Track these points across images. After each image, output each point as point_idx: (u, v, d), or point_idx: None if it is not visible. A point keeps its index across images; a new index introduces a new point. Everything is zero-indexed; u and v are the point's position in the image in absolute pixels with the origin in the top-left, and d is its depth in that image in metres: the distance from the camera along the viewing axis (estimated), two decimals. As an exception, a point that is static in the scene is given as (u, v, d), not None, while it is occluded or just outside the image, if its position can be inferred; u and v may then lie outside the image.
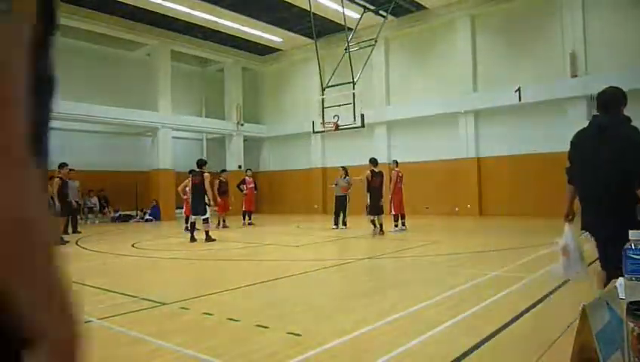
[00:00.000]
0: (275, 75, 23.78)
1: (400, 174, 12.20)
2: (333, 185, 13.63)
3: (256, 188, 16.17)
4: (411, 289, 5.28)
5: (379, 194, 11.10)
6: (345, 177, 13.35)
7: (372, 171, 11.16)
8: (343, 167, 13.74)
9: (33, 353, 0.52)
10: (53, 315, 0.55)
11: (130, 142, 21.00)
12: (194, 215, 10.76)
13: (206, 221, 10.68)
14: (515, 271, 6.02)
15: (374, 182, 11.07)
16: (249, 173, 16.06)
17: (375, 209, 11.01)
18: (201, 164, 11.04)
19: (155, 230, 14.91)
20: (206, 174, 10.74)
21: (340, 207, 13.16)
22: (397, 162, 12.95)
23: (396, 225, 12.04)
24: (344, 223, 13.10)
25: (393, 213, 11.95)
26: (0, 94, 0.50)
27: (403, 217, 12.14)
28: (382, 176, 11.34)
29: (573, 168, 3.79)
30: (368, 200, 11.01)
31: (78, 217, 17.83)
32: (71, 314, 0.57)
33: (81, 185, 15.23)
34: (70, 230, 13.21)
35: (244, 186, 15.40)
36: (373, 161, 11.40)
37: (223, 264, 7.98)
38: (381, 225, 11.07)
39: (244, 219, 15.43)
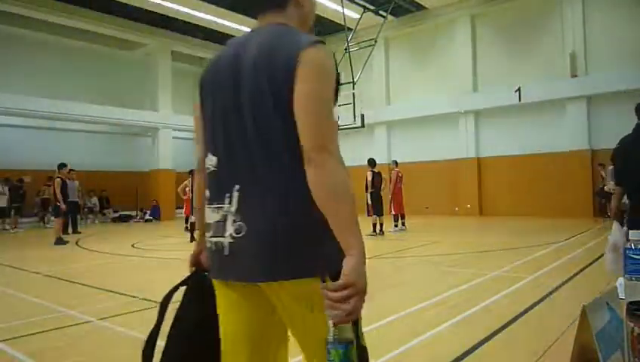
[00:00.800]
0: (275, 75, 23.75)
1: (400, 174, 12.19)
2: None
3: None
4: (411, 289, 5.27)
5: (379, 195, 11.10)
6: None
7: (372, 172, 11.14)
8: (395, 161, 13.34)
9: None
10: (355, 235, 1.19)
11: (130, 142, 21.00)
12: (194, 215, 10.77)
13: None
14: (515, 271, 6.02)
15: (375, 183, 11.05)
16: None
17: (376, 209, 11.00)
18: (372, 163, 11.12)
19: (155, 230, 14.91)
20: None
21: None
22: (397, 162, 12.94)
23: (396, 225, 12.04)
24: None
25: (393, 213, 11.95)
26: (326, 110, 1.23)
27: (403, 217, 12.14)
28: (381, 176, 11.33)
29: (621, 171, 4.24)
30: (369, 201, 10.99)
31: (79, 217, 17.88)
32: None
33: (81, 185, 15.25)
34: (70, 230, 13.22)
35: None
36: (372, 162, 11.37)
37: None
38: (381, 225, 11.07)
39: None
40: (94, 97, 18.41)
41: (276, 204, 1.25)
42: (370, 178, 11.03)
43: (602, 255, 6.90)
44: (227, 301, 1.39)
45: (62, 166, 11.43)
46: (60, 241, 10.64)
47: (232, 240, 1.28)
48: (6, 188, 15.13)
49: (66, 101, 17.03)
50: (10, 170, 16.08)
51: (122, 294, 5.24)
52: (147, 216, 19.04)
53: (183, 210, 13.44)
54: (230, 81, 1.36)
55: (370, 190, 10.99)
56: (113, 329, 3.86)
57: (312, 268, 1.24)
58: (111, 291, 5.44)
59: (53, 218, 13.32)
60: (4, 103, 15.46)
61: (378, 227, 10.99)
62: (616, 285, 1.76)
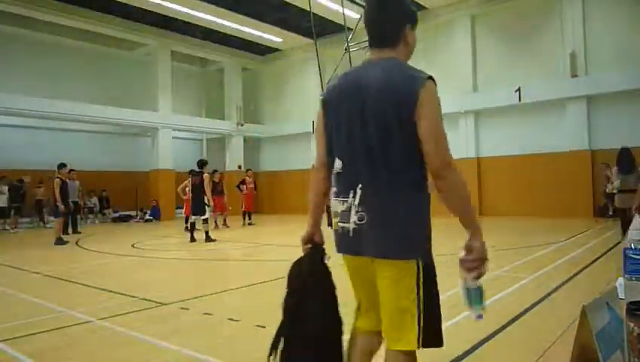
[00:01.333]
0: (275, 75, 23.77)
1: None
2: None
3: (255, 188, 16.17)
4: (411, 289, 5.27)
5: None
6: None
7: None
8: None
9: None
10: (476, 223, 1.70)
11: (130, 142, 21.01)
12: (193, 215, 10.77)
13: (206, 221, 10.71)
14: (515, 271, 6.02)
15: None
16: (249, 173, 16.06)
17: None
18: (201, 164, 11.05)
19: (155, 230, 14.90)
20: (205, 175, 10.75)
21: None
22: None
23: None
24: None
25: None
26: (443, 134, 1.68)
27: None
28: None
29: None
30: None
31: (79, 217, 17.87)
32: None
33: (81, 185, 15.24)
34: (70, 230, 13.21)
35: (244, 186, 15.41)
36: None
37: (223, 264, 7.98)
38: None
39: (244, 219, 15.44)
40: (94, 97, 18.40)
41: (389, 201, 1.73)
42: None
43: (602, 255, 6.91)
44: (351, 265, 2.01)
45: (61, 166, 11.42)
46: (59, 241, 10.64)
47: (355, 226, 1.78)
48: (5, 188, 15.13)
49: (66, 101, 17.02)
50: (10, 170, 16.08)
51: (122, 294, 5.24)
52: (147, 216, 19.03)
53: (183, 210, 13.45)
54: (355, 103, 1.79)
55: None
56: (113, 329, 3.86)
57: (408, 254, 1.75)
58: (111, 291, 5.44)
59: (52, 218, 13.36)
60: (4, 103, 15.46)
61: None
62: (616, 285, 1.75)
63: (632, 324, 0.97)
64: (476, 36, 17.27)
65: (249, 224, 15.21)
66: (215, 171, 15.26)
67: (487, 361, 3.01)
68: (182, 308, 4.52)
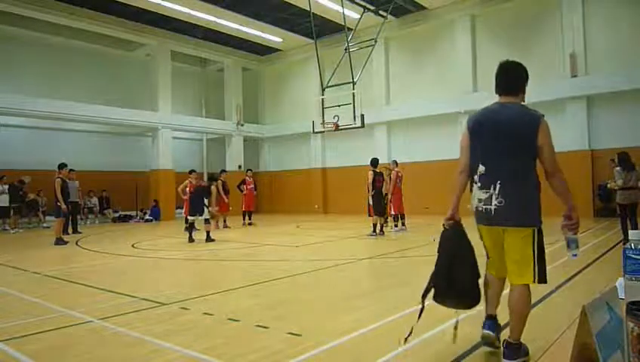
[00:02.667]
0: (275, 75, 23.77)
1: (400, 174, 12.17)
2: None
3: (255, 188, 16.17)
4: (411, 289, 5.27)
5: (381, 195, 11.04)
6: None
7: (374, 172, 11.03)
8: (395, 161, 13.25)
9: None
10: (571, 201, 2.90)
11: (130, 142, 21.01)
12: (192, 216, 10.78)
13: (207, 221, 10.73)
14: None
15: (377, 183, 10.97)
16: (249, 173, 16.07)
17: (377, 210, 10.94)
18: (374, 163, 11.15)
19: (155, 230, 14.91)
20: (213, 187, 10.91)
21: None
22: (397, 162, 12.91)
23: (396, 225, 12.04)
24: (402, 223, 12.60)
25: (393, 213, 11.95)
26: (554, 151, 2.88)
27: (403, 217, 12.13)
28: (382, 176, 11.27)
29: None
30: (371, 202, 10.91)
31: (79, 217, 17.87)
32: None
33: (81, 185, 15.22)
34: (70, 230, 13.21)
35: (244, 186, 15.41)
36: (374, 162, 11.26)
37: (223, 264, 7.98)
38: (382, 226, 11.06)
39: (244, 219, 15.44)
40: (94, 97, 18.41)
41: (518, 191, 2.80)
42: (371, 178, 10.93)
43: (602, 255, 6.92)
44: (488, 233, 2.99)
45: (62, 166, 11.41)
46: (60, 241, 10.64)
47: (495, 208, 2.83)
48: (5, 188, 15.12)
49: (66, 101, 17.02)
50: (10, 170, 16.07)
51: (122, 294, 5.24)
52: (147, 217, 19.03)
53: (183, 210, 13.45)
54: (493, 130, 2.89)
55: (371, 191, 10.87)
56: (113, 329, 3.86)
57: (530, 224, 2.80)
58: (111, 291, 5.44)
59: (52, 218, 13.36)
60: (4, 103, 15.46)
61: (378, 227, 10.98)
62: (616, 285, 1.75)
63: (632, 324, 0.97)
64: (476, 36, 17.27)
65: (249, 224, 15.21)
66: (223, 171, 15.32)
67: (488, 361, 3.01)
68: (182, 308, 4.52)
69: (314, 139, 21.07)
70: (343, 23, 15.97)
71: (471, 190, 3.04)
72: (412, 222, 12.90)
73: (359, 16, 17.05)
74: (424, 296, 2.95)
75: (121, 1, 16.22)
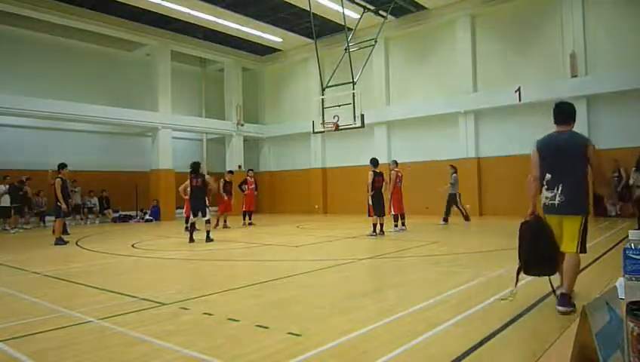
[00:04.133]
0: (275, 75, 23.78)
1: (399, 174, 12.20)
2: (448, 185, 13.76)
3: (256, 188, 16.19)
4: (411, 290, 5.27)
5: (381, 195, 11.03)
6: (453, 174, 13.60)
7: (374, 172, 11.00)
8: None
9: None
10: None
11: (130, 142, 21.00)
12: (194, 216, 10.78)
13: (208, 221, 10.74)
14: (515, 271, 6.01)
15: (377, 183, 10.96)
16: (250, 173, 16.07)
17: (379, 210, 10.93)
18: (196, 167, 11.06)
19: (155, 230, 14.91)
20: (207, 176, 10.83)
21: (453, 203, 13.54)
22: (396, 162, 12.92)
23: (396, 225, 12.05)
24: (445, 220, 13.46)
25: (393, 213, 11.96)
26: (601, 161, 4.41)
27: (403, 217, 12.14)
28: (382, 176, 11.24)
29: None
30: (370, 202, 10.92)
31: (79, 217, 17.89)
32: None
33: (81, 185, 15.24)
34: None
35: (246, 186, 15.39)
36: (374, 162, 11.23)
37: (223, 264, 7.98)
38: (382, 225, 11.05)
39: (244, 219, 15.44)
40: (94, 97, 18.41)
41: (573, 191, 4.00)
42: (370, 179, 10.92)
43: (602, 255, 6.91)
44: (552, 220, 4.08)
45: (62, 166, 11.40)
46: (60, 241, 10.65)
47: (558, 203, 4.01)
48: (6, 188, 15.14)
49: (66, 101, 17.03)
50: (10, 170, 16.08)
51: (122, 294, 5.24)
52: (147, 217, 19.03)
53: (184, 210, 13.46)
54: (556, 149, 4.14)
55: (370, 192, 10.89)
56: (113, 329, 3.86)
57: (581, 213, 4.02)
58: (111, 291, 5.44)
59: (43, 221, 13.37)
60: (4, 103, 15.46)
61: (378, 227, 10.98)
62: (616, 285, 1.75)
63: (632, 324, 0.97)
64: (476, 36, 17.27)
65: (249, 224, 15.21)
66: (230, 172, 15.35)
67: (487, 361, 3.01)
68: (182, 308, 4.52)
69: (314, 139, 21.08)
70: (343, 23, 15.97)
71: (543, 191, 4.23)
72: (412, 222, 12.91)
73: (359, 16, 17.06)
74: (518, 272, 4.16)
75: (121, 1, 16.22)
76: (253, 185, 15.63)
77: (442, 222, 13.42)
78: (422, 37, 18.59)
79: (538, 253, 4.02)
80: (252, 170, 16.92)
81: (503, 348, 3.22)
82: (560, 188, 4.00)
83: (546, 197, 4.10)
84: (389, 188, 11.75)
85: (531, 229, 4.07)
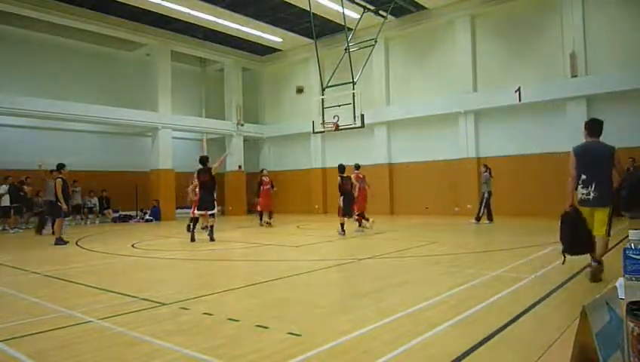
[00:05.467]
0: (275, 75, 23.78)
1: (361, 176, 12.82)
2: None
3: (272, 187, 15.51)
4: (411, 290, 5.28)
5: (349, 198, 11.71)
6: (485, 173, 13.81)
7: (341, 177, 11.82)
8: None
9: None
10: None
11: (130, 142, 21.00)
12: (203, 210, 10.92)
13: (212, 216, 10.91)
14: (515, 271, 6.02)
15: (345, 186, 11.71)
16: (265, 172, 15.73)
17: (348, 211, 11.70)
18: (205, 160, 11.23)
19: (155, 230, 14.90)
20: (215, 166, 11.22)
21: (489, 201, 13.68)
22: (358, 166, 13.36)
23: (360, 224, 12.51)
24: (489, 218, 13.54)
25: (357, 212, 12.47)
26: (622, 163, 5.66)
27: (363, 216, 12.58)
28: (350, 180, 11.94)
29: None
30: (341, 203, 11.63)
31: (79, 217, 17.89)
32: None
33: (81, 185, 15.24)
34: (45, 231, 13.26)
35: (262, 186, 15.04)
36: (341, 168, 12.03)
37: (223, 264, 7.98)
38: (364, 220, 11.97)
39: (260, 218, 15.15)
40: (94, 97, 18.41)
41: (604, 187, 5.16)
42: (339, 182, 11.80)
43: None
44: (586, 212, 5.27)
45: (61, 166, 11.39)
46: (60, 241, 10.65)
47: (591, 198, 5.23)
48: (6, 188, 15.14)
49: (66, 101, 17.03)
50: (10, 170, 16.07)
51: (122, 294, 5.24)
52: (147, 217, 19.03)
53: (191, 210, 13.51)
54: (590, 155, 5.36)
55: (340, 194, 11.73)
56: (113, 329, 3.86)
57: (608, 205, 5.14)
58: (111, 291, 5.44)
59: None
60: (3, 103, 15.45)
61: (346, 227, 11.57)
62: (616, 285, 1.75)
63: (632, 324, 0.97)
64: (476, 36, 17.27)
65: (267, 223, 14.83)
66: (263, 171, 15.30)
67: (487, 361, 3.01)
68: (182, 308, 4.52)
69: (314, 139, 21.07)
70: (343, 23, 15.97)
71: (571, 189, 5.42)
72: (412, 223, 12.91)
73: (359, 16, 17.05)
74: (563, 252, 5.31)
75: (121, 1, 16.21)
76: (268, 185, 15.18)
77: (475, 221, 13.50)
78: (422, 37, 18.59)
79: (577, 236, 5.18)
80: (265, 169, 16.66)
81: (503, 348, 3.22)
82: (593, 186, 5.17)
83: (582, 193, 5.28)
84: (355, 191, 12.24)
85: (571, 218, 5.21)
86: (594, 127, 5.44)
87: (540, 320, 3.83)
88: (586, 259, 5.38)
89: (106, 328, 3.92)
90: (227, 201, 22.66)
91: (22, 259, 8.73)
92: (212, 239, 10.51)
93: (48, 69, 18.25)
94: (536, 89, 15.39)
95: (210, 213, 10.81)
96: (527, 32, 16.04)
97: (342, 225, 11.52)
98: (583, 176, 5.24)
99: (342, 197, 11.70)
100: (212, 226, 10.73)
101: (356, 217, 12.31)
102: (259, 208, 15.26)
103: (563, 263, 5.44)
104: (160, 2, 16.35)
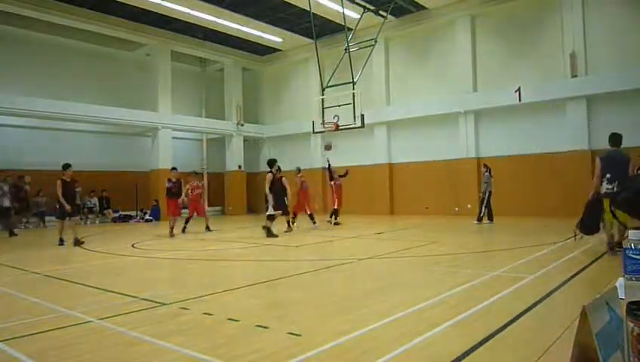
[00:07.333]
0: (275, 75, 23.78)
1: (302, 179, 13.53)
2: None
3: (302, 187, 14.13)
4: (411, 290, 5.27)
5: (282, 196, 12.00)
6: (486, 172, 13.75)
7: (274, 176, 12.06)
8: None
9: None
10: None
11: (130, 142, 21.01)
12: (276, 210, 11.62)
13: (269, 218, 11.51)
14: (515, 271, 6.01)
15: (277, 185, 11.97)
16: (300, 172, 14.49)
17: (283, 208, 11.98)
18: (271, 163, 11.87)
19: (155, 230, 14.90)
20: (269, 175, 11.69)
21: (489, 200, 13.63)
22: (299, 169, 13.99)
23: (292, 223, 12.99)
24: (489, 218, 13.55)
25: (294, 211, 13.04)
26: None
27: (295, 216, 13.08)
28: (281, 180, 12.11)
29: None
30: (272, 201, 11.78)
31: (79, 217, 17.84)
32: None
33: (81, 185, 15.22)
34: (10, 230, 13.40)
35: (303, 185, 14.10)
36: (275, 167, 12.13)
37: (223, 264, 7.98)
38: (288, 222, 12.61)
39: (289, 223, 14.13)
40: (94, 97, 18.42)
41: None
42: (271, 178, 12.05)
43: (602, 255, 6.92)
44: (607, 203, 6.62)
45: (66, 167, 11.35)
46: (61, 242, 10.64)
47: (614, 191, 6.68)
48: (6, 188, 15.12)
49: (66, 101, 17.03)
50: (10, 170, 16.07)
51: (122, 294, 5.24)
52: (147, 217, 19.03)
53: (187, 210, 13.51)
54: (615, 160, 7.18)
55: (267, 192, 11.92)
56: (113, 329, 3.85)
57: None
58: (111, 291, 5.43)
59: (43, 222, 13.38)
60: (4, 103, 15.45)
61: (291, 223, 12.48)
62: (616, 285, 1.75)
63: (632, 324, 0.97)
64: (476, 36, 17.27)
65: (335, 223, 14.23)
66: (299, 169, 14.68)
67: (488, 361, 3.01)
68: (182, 308, 4.52)
69: (314, 139, 21.07)
70: (343, 23, 15.97)
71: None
72: (412, 223, 12.90)
73: (359, 16, 17.06)
74: (577, 226, 7.18)
75: (121, 1, 16.22)
76: (300, 186, 13.95)
77: (476, 222, 13.42)
78: (422, 37, 18.59)
79: (592, 218, 6.93)
80: (299, 167, 14.90)
81: (503, 348, 3.22)
82: (616, 183, 6.73)
83: (607, 188, 6.82)
84: (296, 193, 12.87)
85: (594, 202, 6.88)
86: (616, 138, 7.38)
87: (540, 320, 3.83)
88: (585, 259, 5.36)
89: (106, 328, 3.92)
90: (227, 201, 22.65)
91: (22, 259, 8.73)
92: (271, 235, 11.19)
93: (48, 69, 18.25)
94: (536, 89, 15.39)
95: (274, 213, 11.55)
96: (527, 32, 16.04)
97: (288, 222, 12.17)
98: (608, 175, 6.87)
99: (274, 196, 11.75)
100: (269, 228, 11.34)
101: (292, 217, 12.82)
102: (306, 210, 13.95)
103: (574, 239, 7.04)
104: (160, 2, 16.35)
